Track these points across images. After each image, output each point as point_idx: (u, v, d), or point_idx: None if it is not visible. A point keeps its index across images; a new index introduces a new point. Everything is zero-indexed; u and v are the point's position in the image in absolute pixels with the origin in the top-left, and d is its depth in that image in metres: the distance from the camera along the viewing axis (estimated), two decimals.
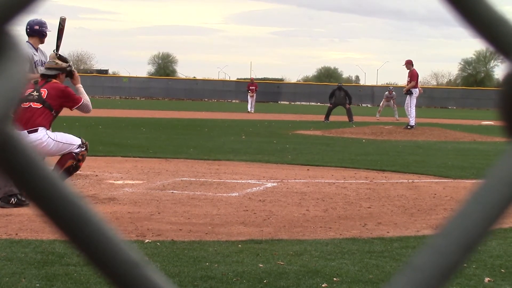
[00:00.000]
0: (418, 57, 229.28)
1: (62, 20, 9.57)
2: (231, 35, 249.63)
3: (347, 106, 34.27)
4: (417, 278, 0.56)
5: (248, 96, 48.28)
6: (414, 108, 25.82)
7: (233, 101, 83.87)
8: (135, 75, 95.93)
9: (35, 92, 8.79)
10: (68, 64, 9.18)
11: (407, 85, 25.96)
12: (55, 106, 8.84)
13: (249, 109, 46.74)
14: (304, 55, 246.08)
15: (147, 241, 6.79)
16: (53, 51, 9.33)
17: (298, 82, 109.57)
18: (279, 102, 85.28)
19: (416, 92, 25.73)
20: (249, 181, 11.35)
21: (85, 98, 9.12)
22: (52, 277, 5.39)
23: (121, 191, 9.91)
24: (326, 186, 10.94)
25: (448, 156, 16.58)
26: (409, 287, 0.56)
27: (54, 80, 9.00)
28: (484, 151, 18.66)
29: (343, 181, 11.61)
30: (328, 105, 35.46)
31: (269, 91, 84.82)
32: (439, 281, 0.56)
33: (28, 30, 9.39)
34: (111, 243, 0.55)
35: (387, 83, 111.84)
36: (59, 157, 8.91)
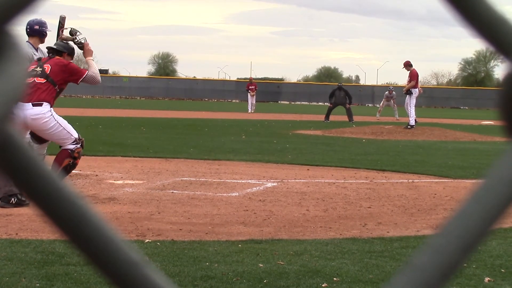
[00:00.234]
0: (418, 57, 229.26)
1: (62, 18, 9.59)
2: (231, 35, 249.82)
3: (347, 106, 34.31)
4: (417, 278, 0.56)
5: (249, 96, 48.18)
6: (414, 108, 25.83)
7: (233, 101, 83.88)
8: (135, 75, 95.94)
9: (38, 67, 8.84)
10: (73, 37, 9.27)
11: (407, 85, 25.98)
12: (59, 81, 8.90)
13: (249, 110, 46.66)
14: (304, 55, 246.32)
15: (147, 241, 6.79)
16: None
17: (298, 82, 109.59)
18: (279, 102, 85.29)
19: (415, 92, 25.74)
20: (249, 181, 11.35)
21: (92, 70, 9.15)
22: (52, 277, 5.39)
23: (121, 191, 9.91)
24: (326, 186, 10.94)
25: (448, 156, 16.59)
26: (409, 287, 0.56)
27: (57, 56, 9.08)
28: (484, 151, 18.66)
29: (343, 181, 11.61)
30: (328, 104, 35.50)
31: (269, 91, 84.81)
32: (439, 281, 0.56)
33: (28, 30, 9.40)
34: (111, 243, 0.55)
35: (387, 83, 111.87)
36: (56, 156, 8.92)
